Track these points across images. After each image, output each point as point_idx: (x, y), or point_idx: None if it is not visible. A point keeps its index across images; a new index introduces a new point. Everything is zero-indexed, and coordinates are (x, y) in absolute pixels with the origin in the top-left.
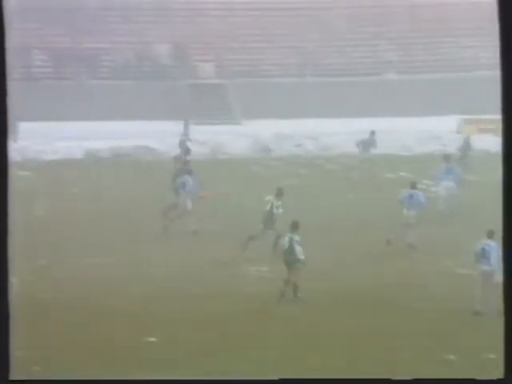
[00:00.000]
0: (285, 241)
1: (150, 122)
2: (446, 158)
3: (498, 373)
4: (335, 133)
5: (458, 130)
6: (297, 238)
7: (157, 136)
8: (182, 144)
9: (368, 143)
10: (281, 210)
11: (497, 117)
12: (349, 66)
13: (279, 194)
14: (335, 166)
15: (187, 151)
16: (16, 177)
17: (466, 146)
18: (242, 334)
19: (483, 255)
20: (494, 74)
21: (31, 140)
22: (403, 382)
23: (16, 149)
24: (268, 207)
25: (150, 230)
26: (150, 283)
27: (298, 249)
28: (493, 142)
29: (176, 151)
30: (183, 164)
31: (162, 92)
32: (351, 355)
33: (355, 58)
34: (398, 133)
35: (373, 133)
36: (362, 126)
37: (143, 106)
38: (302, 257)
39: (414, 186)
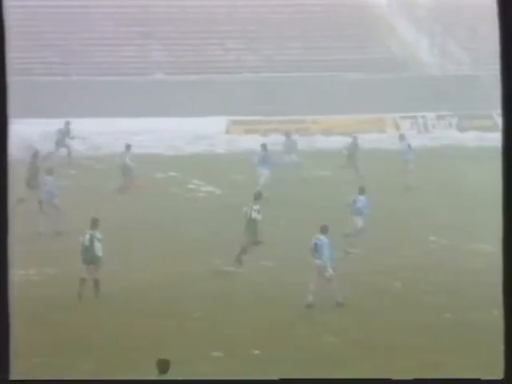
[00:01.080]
0: (85, 238)
1: None
2: (263, 147)
3: (498, 373)
4: (103, 133)
5: (226, 130)
6: (98, 235)
7: None
8: None
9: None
10: (259, 215)
11: (263, 118)
12: (116, 66)
13: (257, 197)
14: (103, 165)
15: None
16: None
17: (354, 145)
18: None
19: (316, 250)
20: (259, 76)
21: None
22: (403, 381)
23: None
24: (247, 215)
25: None
26: None
27: (98, 246)
28: (259, 143)
29: None
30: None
31: None
32: (133, 355)
33: (123, 57)
34: (166, 133)
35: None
36: (128, 126)
37: None
38: (100, 254)
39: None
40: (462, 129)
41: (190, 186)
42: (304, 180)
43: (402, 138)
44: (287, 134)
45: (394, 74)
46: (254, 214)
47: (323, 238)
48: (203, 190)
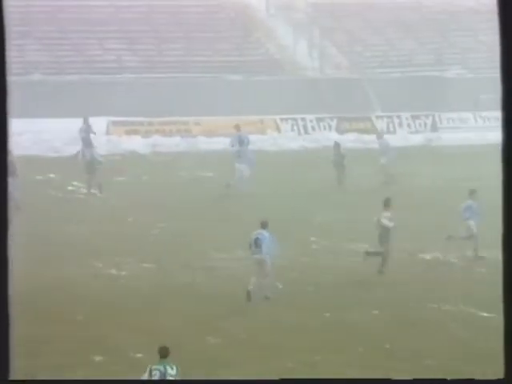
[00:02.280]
0: None
1: None
2: (241, 141)
3: (498, 373)
4: None
5: (106, 131)
6: None
7: None
8: None
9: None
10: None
11: (144, 119)
12: None
13: (387, 203)
14: None
15: None
16: None
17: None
18: None
19: (256, 244)
20: (140, 77)
21: None
22: (403, 381)
23: None
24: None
25: None
26: None
27: None
28: (140, 144)
29: None
30: None
31: None
32: None
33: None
34: (44, 134)
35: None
36: None
37: None
38: None
39: None
40: (341, 131)
41: (70, 187)
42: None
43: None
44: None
45: (273, 77)
46: (385, 222)
47: (265, 233)
48: (83, 192)
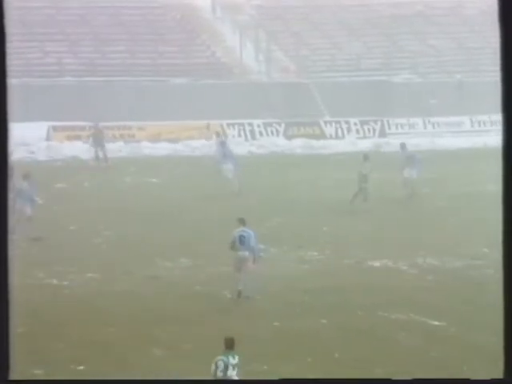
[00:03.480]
0: None
1: None
2: (223, 143)
3: (498, 373)
4: None
5: (47, 137)
6: None
7: None
8: None
9: None
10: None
11: (86, 124)
12: None
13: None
14: None
15: None
16: None
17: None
18: None
19: (241, 242)
20: (81, 80)
21: None
22: (403, 381)
23: None
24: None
25: None
26: None
27: None
28: (82, 149)
29: None
30: None
31: None
32: None
33: None
34: None
35: None
36: None
37: None
38: None
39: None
40: (288, 136)
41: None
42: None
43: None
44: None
45: (219, 80)
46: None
47: (248, 230)
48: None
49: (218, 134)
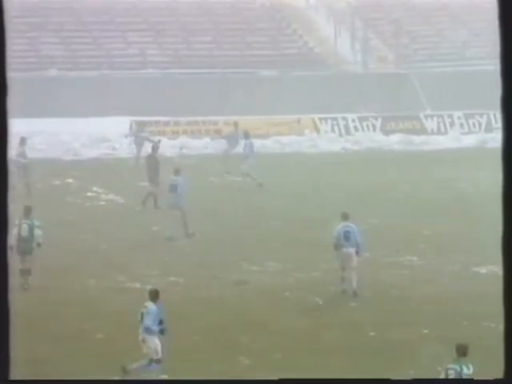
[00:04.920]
0: (22, 228)
1: None
2: (246, 134)
3: (498, 373)
4: None
5: (129, 132)
6: (36, 222)
7: None
8: None
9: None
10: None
11: (171, 119)
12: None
13: None
14: None
15: None
16: None
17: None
18: None
19: (346, 238)
20: (165, 72)
21: None
22: (403, 381)
23: None
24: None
25: None
26: None
27: (38, 233)
28: (167, 146)
29: None
30: None
31: None
32: None
33: (13, 51)
34: (62, 135)
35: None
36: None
37: None
38: (40, 241)
39: None
40: (386, 131)
41: (89, 194)
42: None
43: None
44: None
45: (311, 72)
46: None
47: (353, 225)
48: (104, 199)
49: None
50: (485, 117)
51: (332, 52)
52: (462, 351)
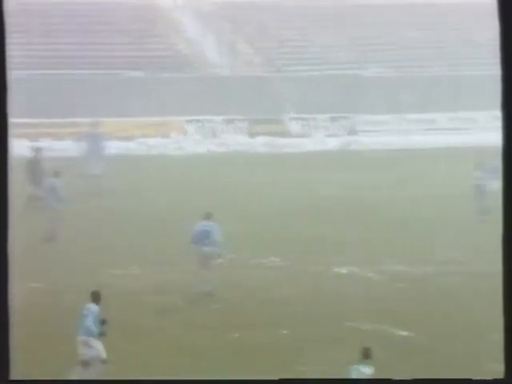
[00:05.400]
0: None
1: None
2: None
3: (498, 373)
4: None
5: None
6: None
7: None
8: None
9: None
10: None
11: (32, 120)
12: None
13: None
14: None
15: None
16: None
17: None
18: None
19: (203, 236)
20: (36, 72)
21: None
22: (403, 381)
23: None
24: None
25: None
26: None
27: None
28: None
29: None
30: None
31: None
32: None
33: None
34: None
35: None
36: None
37: None
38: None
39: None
40: (252, 134)
41: None
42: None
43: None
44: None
45: (178, 74)
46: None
47: (214, 224)
48: None
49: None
50: (349, 120)
51: (199, 54)
52: (365, 354)
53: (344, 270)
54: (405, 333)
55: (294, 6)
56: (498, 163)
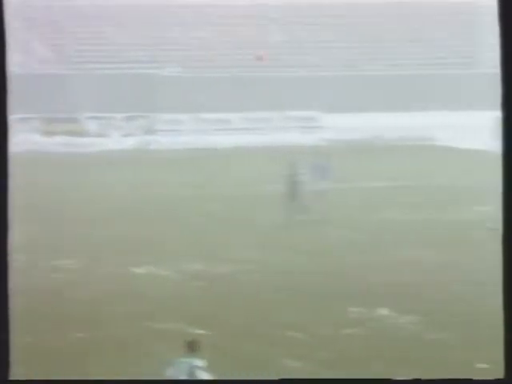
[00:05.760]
0: None
1: None
2: None
3: (498, 373)
4: None
5: None
6: None
7: None
8: None
9: None
10: None
11: None
12: None
13: None
14: None
15: None
16: None
17: None
18: None
19: None
20: None
21: None
22: (403, 381)
23: None
24: None
25: None
26: None
27: None
28: None
29: None
30: None
31: None
32: None
33: None
34: None
35: None
36: None
37: None
38: None
39: None
40: (47, 133)
41: None
42: None
43: None
44: None
45: None
46: None
47: None
48: None
49: None
50: (147, 119)
51: None
52: (191, 347)
53: (141, 270)
54: (201, 331)
55: (90, 4)
56: (311, 161)
